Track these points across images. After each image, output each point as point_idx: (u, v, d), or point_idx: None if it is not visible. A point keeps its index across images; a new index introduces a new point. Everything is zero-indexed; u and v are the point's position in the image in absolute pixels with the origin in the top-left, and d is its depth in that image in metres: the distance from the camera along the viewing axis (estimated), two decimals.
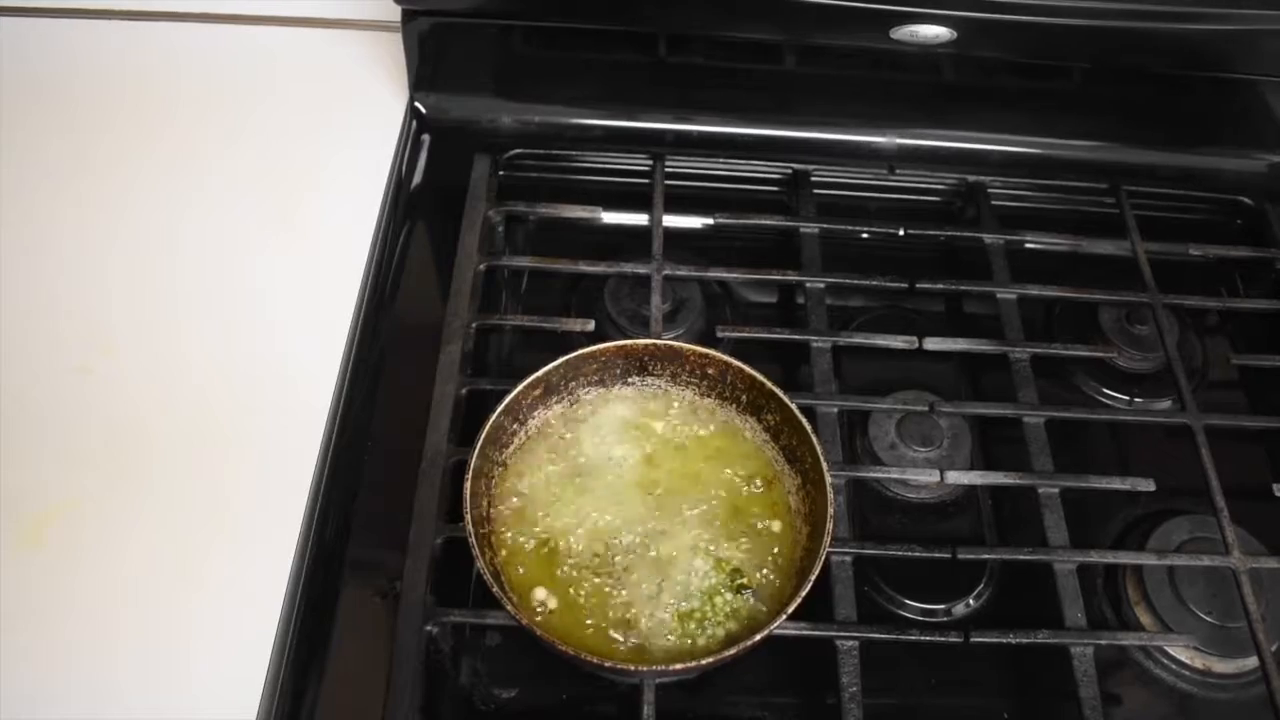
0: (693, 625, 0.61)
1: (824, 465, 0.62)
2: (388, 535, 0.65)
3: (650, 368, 0.69)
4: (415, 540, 0.64)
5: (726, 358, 0.67)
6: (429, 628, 0.62)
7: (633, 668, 0.59)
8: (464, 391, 0.70)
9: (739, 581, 0.62)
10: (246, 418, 0.71)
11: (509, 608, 0.57)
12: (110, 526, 0.66)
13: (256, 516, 0.67)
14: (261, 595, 0.64)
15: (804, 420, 0.64)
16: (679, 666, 0.58)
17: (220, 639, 0.62)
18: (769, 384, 0.65)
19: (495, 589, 0.57)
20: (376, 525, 0.68)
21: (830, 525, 0.60)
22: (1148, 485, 0.70)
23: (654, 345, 0.68)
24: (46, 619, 0.63)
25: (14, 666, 0.60)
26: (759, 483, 0.66)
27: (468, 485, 0.60)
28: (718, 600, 0.62)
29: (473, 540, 0.58)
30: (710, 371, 0.68)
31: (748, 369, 0.66)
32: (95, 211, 0.80)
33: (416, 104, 0.88)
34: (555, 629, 0.60)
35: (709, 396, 0.69)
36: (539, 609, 0.61)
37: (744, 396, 0.67)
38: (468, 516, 0.59)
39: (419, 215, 0.84)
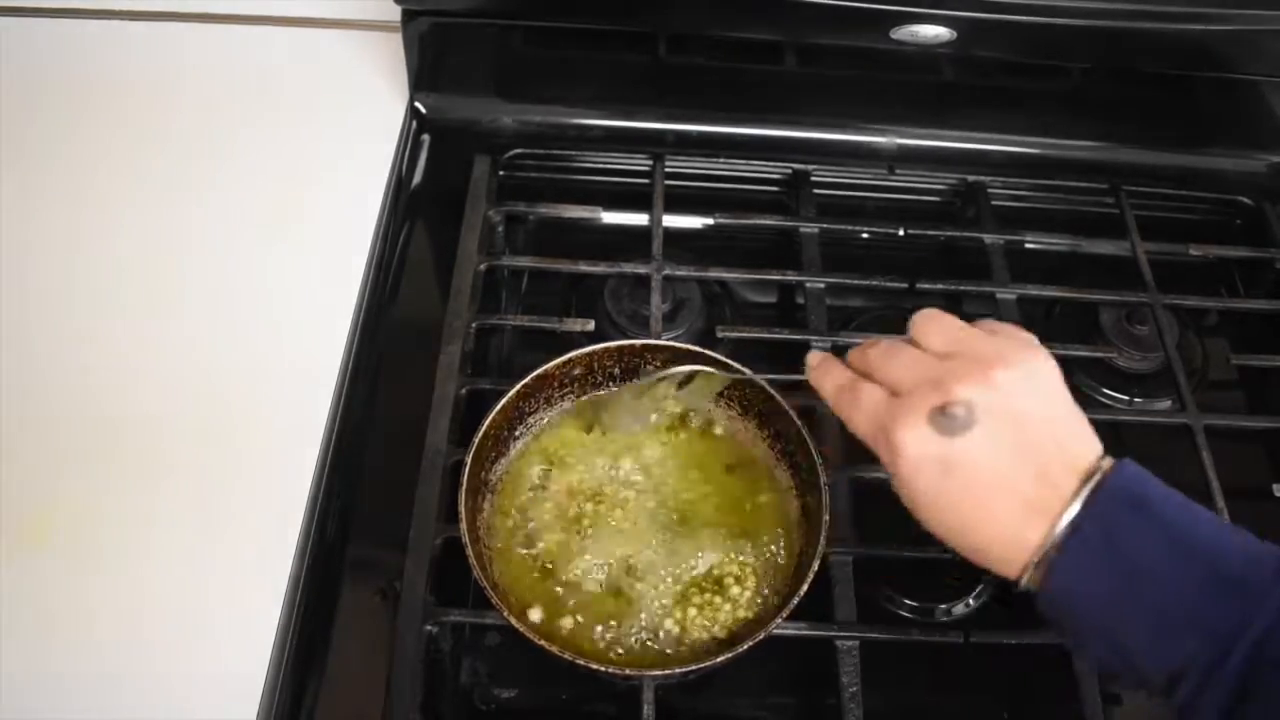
0: (691, 625, 0.61)
1: (819, 464, 0.62)
2: (388, 535, 0.65)
3: (648, 368, 0.68)
4: (415, 540, 0.64)
5: (723, 359, 0.67)
6: (429, 628, 0.62)
7: (631, 672, 0.59)
8: (464, 391, 0.70)
9: (737, 581, 0.62)
10: (247, 417, 0.71)
11: (509, 617, 0.57)
12: (110, 527, 0.66)
13: (256, 516, 0.67)
14: (261, 595, 0.64)
15: (799, 421, 0.64)
16: (678, 670, 0.58)
17: (220, 639, 0.62)
18: (765, 385, 0.65)
19: (495, 600, 0.58)
20: (376, 525, 0.68)
21: (826, 522, 0.60)
22: None
23: (653, 346, 0.68)
24: (47, 619, 0.63)
25: (14, 666, 0.60)
26: (755, 482, 0.66)
27: (463, 494, 0.60)
28: (716, 600, 0.62)
29: (470, 553, 0.58)
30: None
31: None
32: (95, 211, 0.80)
33: (416, 104, 0.88)
34: (553, 630, 0.60)
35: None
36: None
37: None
38: (463, 527, 0.59)
39: (419, 215, 0.84)
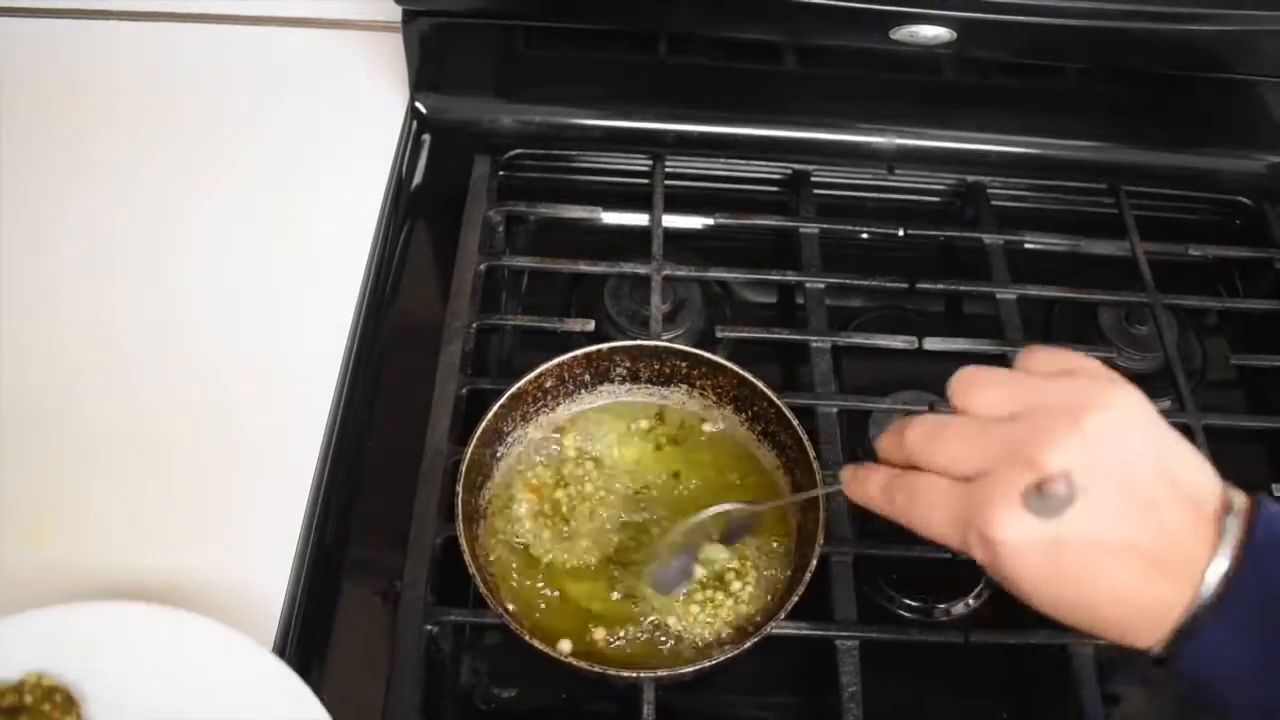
0: (689, 625, 0.61)
1: (815, 465, 0.62)
2: (388, 535, 0.65)
3: (646, 369, 0.68)
4: (415, 540, 0.64)
5: (720, 359, 0.67)
6: (429, 627, 0.62)
7: (630, 674, 0.59)
8: (464, 391, 0.70)
9: (738, 576, 0.63)
10: (247, 417, 0.71)
11: (513, 625, 0.57)
12: (110, 527, 0.66)
13: (257, 516, 0.67)
14: (262, 595, 0.64)
15: (795, 421, 0.64)
16: (679, 671, 0.58)
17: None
18: (760, 384, 0.65)
19: (504, 616, 0.58)
20: (376, 525, 0.68)
21: (823, 521, 0.60)
22: None
23: (620, 349, 0.68)
24: None
25: None
26: (753, 482, 0.66)
27: (460, 524, 0.60)
28: (719, 596, 0.62)
29: (479, 582, 0.58)
30: (705, 372, 0.68)
31: (741, 370, 0.66)
32: (94, 212, 0.80)
33: (417, 104, 0.88)
34: (555, 629, 0.61)
35: (704, 397, 0.69)
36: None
37: (737, 397, 0.67)
38: (468, 558, 0.59)
39: (419, 215, 0.84)
